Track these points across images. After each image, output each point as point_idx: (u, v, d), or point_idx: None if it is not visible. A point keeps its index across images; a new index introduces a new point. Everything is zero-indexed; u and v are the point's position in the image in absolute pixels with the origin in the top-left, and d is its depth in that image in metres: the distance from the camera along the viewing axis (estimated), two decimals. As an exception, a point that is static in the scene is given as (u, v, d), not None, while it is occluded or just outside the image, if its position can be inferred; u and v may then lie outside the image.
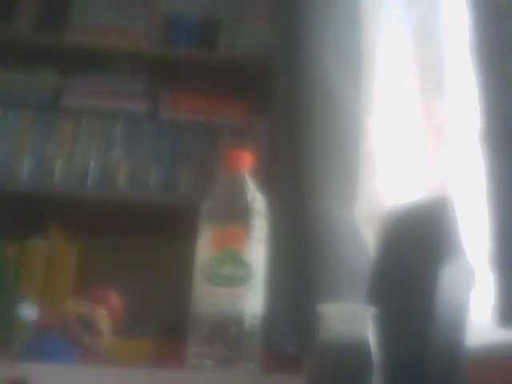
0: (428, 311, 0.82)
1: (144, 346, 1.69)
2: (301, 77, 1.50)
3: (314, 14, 1.51)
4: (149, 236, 1.91)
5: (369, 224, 1.32)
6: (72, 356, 1.06)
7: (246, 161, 1.00)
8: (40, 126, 2.00)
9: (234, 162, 1.00)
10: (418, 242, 0.88)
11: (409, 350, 0.81)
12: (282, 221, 1.39)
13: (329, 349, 0.74)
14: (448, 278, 0.83)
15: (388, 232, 0.95)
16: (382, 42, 1.50)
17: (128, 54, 2.04)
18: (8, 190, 1.86)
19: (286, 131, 1.53)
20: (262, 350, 0.93)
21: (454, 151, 1.33)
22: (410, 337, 0.82)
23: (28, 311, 1.16)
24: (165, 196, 1.95)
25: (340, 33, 1.49)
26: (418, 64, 1.44)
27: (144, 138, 2.01)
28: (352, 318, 0.75)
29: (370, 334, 0.74)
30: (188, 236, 0.99)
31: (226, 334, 0.92)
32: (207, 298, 0.94)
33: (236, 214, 0.96)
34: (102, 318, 1.11)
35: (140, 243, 1.90)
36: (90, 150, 1.98)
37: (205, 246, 0.95)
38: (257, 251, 0.96)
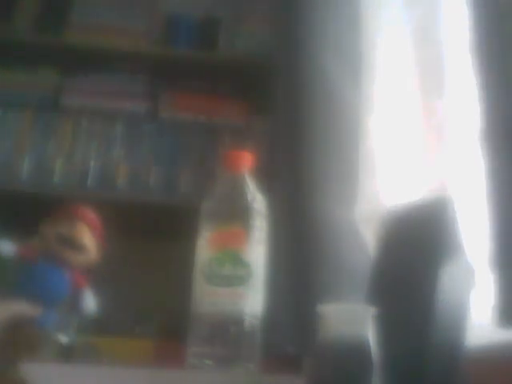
0: (428, 311, 0.82)
1: (144, 345, 1.69)
2: (301, 77, 1.50)
3: (313, 13, 1.51)
4: (149, 236, 1.91)
5: (369, 224, 1.32)
6: (63, 280, 1.03)
7: (246, 161, 1.00)
8: (40, 126, 2.00)
9: (234, 162, 1.00)
10: (417, 242, 0.88)
11: (409, 350, 0.81)
12: (282, 221, 1.39)
13: (329, 349, 0.74)
14: (448, 278, 0.83)
15: (388, 232, 0.95)
16: (382, 42, 1.50)
17: (128, 54, 2.04)
18: (8, 190, 1.86)
19: (286, 131, 1.53)
20: (261, 350, 0.93)
21: (453, 151, 1.33)
22: (410, 337, 0.82)
23: (5, 247, 1.07)
24: (165, 196, 1.95)
25: (340, 33, 1.49)
26: (418, 64, 1.44)
27: (144, 138, 2.01)
28: (352, 318, 0.75)
29: (370, 334, 0.74)
30: (188, 236, 0.99)
31: (226, 334, 0.91)
32: (207, 297, 0.93)
33: (236, 214, 0.95)
34: (84, 232, 1.07)
35: (140, 243, 1.90)
36: (90, 150, 1.98)
37: (205, 246, 0.95)
38: (257, 251, 0.95)
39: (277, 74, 1.63)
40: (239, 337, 0.92)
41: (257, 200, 0.97)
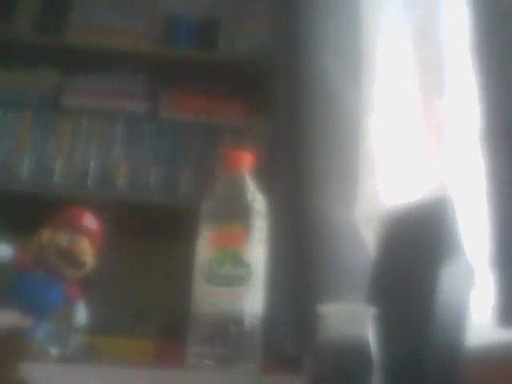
0: (428, 311, 0.82)
1: (144, 345, 1.70)
2: (301, 77, 1.50)
3: (313, 13, 1.51)
4: (149, 236, 1.91)
5: (369, 224, 1.32)
6: (58, 292, 1.02)
7: (246, 161, 1.00)
8: (40, 126, 2.00)
9: (234, 162, 1.00)
10: (417, 242, 0.88)
11: (409, 350, 0.81)
12: (282, 221, 1.39)
13: (329, 349, 0.74)
14: (448, 278, 0.83)
15: (388, 232, 0.95)
16: (382, 42, 1.50)
17: (128, 54, 2.04)
18: (8, 190, 1.86)
19: (286, 131, 1.53)
20: (261, 349, 0.93)
21: (454, 151, 1.33)
22: (410, 337, 0.82)
23: (3, 251, 1.04)
24: (165, 196, 1.95)
25: (340, 33, 1.49)
26: (418, 64, 1.44)
27: (144, 138, 2.01)
28: (352, 318, 0.75)
29: (370, 334, 0.74)
30: (188, 236, 0.99)
31: (226, 334, 0.91)
32: (207, 297, 0.93)
33: (236, 214, 0.95)
34: (84, 247, 1.05)
35: (140, 243, 1.90)
36: (90, 150, 1.98)
37: (205, 246, 0.95)
38: (257, 251, 0.95)
39: (277, 73, 1.63)
40: (239, 337, 0.92)
41: (257, 200, 0.97)
